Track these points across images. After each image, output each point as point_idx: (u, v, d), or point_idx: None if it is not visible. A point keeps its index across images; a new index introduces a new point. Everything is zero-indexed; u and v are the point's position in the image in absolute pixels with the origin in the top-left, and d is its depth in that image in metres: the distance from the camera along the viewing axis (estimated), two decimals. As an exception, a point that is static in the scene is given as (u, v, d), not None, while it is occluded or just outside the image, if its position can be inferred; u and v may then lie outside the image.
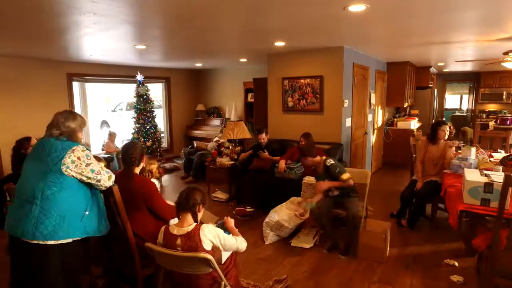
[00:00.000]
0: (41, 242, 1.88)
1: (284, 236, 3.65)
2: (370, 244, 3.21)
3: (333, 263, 3.20)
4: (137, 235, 2.34)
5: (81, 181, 2.01)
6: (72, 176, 1.96)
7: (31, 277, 1.96)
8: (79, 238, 2.01)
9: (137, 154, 2.50)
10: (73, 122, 2.07)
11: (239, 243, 2.11)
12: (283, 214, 3.64)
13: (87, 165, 1.99)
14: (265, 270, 3.10)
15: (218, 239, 1.98)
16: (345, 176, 3.35)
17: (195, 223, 2.00)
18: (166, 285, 2.17)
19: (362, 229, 3.35)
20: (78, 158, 1.96)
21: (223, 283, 1.98)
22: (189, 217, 2.01)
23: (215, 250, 2.00)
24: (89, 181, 2.03)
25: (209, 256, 1.83)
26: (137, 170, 2.54)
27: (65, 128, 2.03)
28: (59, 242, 1.92)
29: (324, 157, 3.56)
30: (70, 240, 1.95)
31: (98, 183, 2.07)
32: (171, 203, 2.91)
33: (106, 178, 2.10)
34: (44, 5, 2.55)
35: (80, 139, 2.12)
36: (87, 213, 2.04)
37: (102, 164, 2.24)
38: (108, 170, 2.16)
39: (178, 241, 1.94)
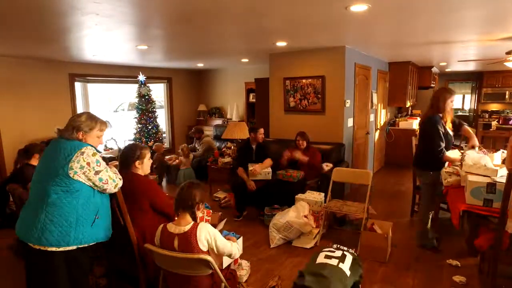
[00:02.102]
0: (42, 248, 1.82)
1: (292, 238, 3.57)
2: (372, 245, 3.21)
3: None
4: (142, 235, 2.35)
5: (89, 185, 1.93)
6: (80, 180, 1.88)
7: (40, 282, 1.91)
8: (86, 245, 1.93)
9: (132, 157, 2.47)
10: (86, 124, 1.99)
11: (233, 248, 2.09)
12: (291, 215, 3.56)
13: (96, 173, 1.90)
14: (267, 270, 3.10)
15: (214, 240, 1.96)
16: None
17: (193, 222, 1.98)
18: (166, 285, 2.17)
19: (364, 229, 3.34)
20: (88, 163, 1.87)
21: (223, 284, 1.98)
22: (187, 216, 1.99)
23: (211, 252, 1.98)
24: (95, 188, 1.96)
25: (209, 258, 1.81)
26: (138, 171, 2.53)
27: (77, 130, 1.96)
28: (64, 249, 1.84)
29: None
30: (75, 247, 1.87)
31: (104, 192, 2.01)
32: None
33: (112, 187, 2.01)
34: (46, 6, 2.56)
35: (95, 138, 2.04)
36: (98, 217, 1.96)
37: (114, 169, 2.13)
38: (116, 178, 2.05)
39: (176, 242, 1.92)
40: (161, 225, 2.03)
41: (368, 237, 3.26)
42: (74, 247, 1.87)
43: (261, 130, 4.57)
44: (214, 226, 3.49)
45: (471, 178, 2.69)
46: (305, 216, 3.59)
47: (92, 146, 1.97)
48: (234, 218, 4.31)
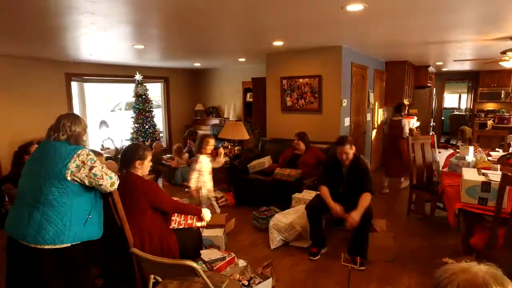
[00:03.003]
0: (38, 246, 1.86)
1: (291, 240, 3.55)
2: (380, 245, 3.19)
3: (332, 262, 3.21)
4: (140, 235, 2.34)
5: (84, 185, 1.97)
6: (76, 181, 1.93)
7: (28, 280, 1.94)
8: (79, 242, 1.98)
9: (134, 156, 2.48)
10: (79, 126, 2.04)
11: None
12: (294, 217, 3.53)
13: (91, 168, 1.95)
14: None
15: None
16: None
17: None
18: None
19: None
20: (83, 162, 1.93)
21: None
22: None
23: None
24: (91, 185, 1.99)
25: (195, 264, 1.78)
26: (137, 171, 2.53)
27: (71, 132, 2.00)
28: (59, 246, 1.89)
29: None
30: (69, 244, 1.92)
31: (100, 187, 2.03)
32: (176, 198, 2.93)
33: (108, 184, 2.03)
34: (42, 5, 2.55)
35: (83, 142, 2.10)
36: (90, 217, 2.01)
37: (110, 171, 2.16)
38: (113, 176, 2.08)
39: None
40: None
41: (375, 238, 3.22)
42: (68, 245, 1.92)
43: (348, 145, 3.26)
44: (222, 227, 3.51)
45: (466, 177, 2.71)
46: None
47: (86, 148, 2.03)
48: (308, 257, 3.25)
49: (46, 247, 1.86)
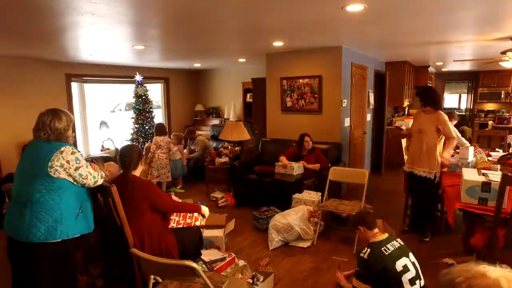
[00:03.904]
0: (31, 242, 1.90)
1: (290, 240, 3.56)
2: None
3: (332, 262, 3.21)
4: (140, 236, 2.35)
5: (70, 180, 2.00)
6: (62, 177, 1.94)
7: (28, 277, 1.97)
8: (71, 238, 2.01)
9: (134, 157, 2.50)
10: (59, 122, 2.02)
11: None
12: (294, 218, 3.55)
13: (76, 169, 1.98)
14: (264, 269, 3.10)
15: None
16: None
17: None
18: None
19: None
20: (68, 161, 1.94)
21: None
22: None
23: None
24: (75, 183, 2.02)
25: (195, 265, 1.78)
26: (137, 173, 2.54)
27: (51, 131, 1.98)
28: (50, 241, 1.92)
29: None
30: (61, 240, 1.95)
31: (83, 185, 2.08)
32: (176, 199, 2.94)
33: (91, 183, 2.08)
34: (42, 5, 2.55)
35: (70, 137, 2.08)
36: (81, 211, 2.04)
37: (96, 174, 2.16)
38: (96, 175, 2.11)
39: None
40: None
41: None
42: (60, 240, 1.95)
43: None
44: (222, 227, 3.52)
45: (466, 177, 2.71)
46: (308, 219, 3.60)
47: (70, 145, 2.02)
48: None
49: (39, 242, 1.90)
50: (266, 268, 2.90)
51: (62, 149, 1.94)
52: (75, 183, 2.02)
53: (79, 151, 2.06)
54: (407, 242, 3.57)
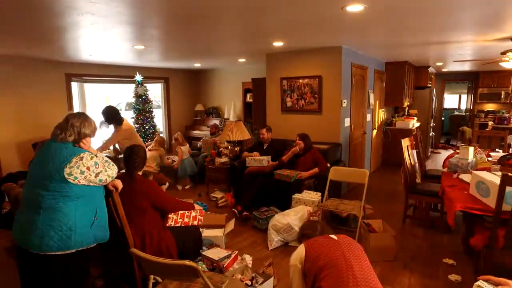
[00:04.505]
0: (43, 254, 1.79)
1: (289, 241, 3.55)
2: (380, 245, 3.18)
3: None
4: (140, 236, 2.34)
5: (86, 185, 1.89)
6: (82, 184, 1.84)
7: (39, 286, 1.89)
8: (86, 247, 1.90)
9: (144, 158, 2.52)
10: (88, 128, 1.95)
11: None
12: (293, 218, 3.54)
13: (96, 175, 1.89)
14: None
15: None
16: None
17: None
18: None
19: (366, 231, 3.33)
20: (88, 168, 1.84)
21: None
22: None
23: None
24: (93, 184, 1.94)
25: (195, 265, 1.77)
26: (140, 172, 2.56)
27: (78, 135, 1.90)
28: (64, 252, 1.81)
29: None
30: (74, 250, 1.85)
31: (101, 185, 2.02)
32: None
33: (108, 183, 2.04)
34: (42, 5, 2.55)
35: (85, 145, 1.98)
36: (96, 218, 1.93)
37: (106, 159, 2.05)
38: (113, 174, 2.03)
39: None
40: None
41: (375, 238, 3.22)
42: (74, 250, 1.85)
43: (262, 131, 4.91)
44: (222, 227, 3.52)
45: (476, 171, 2.76)
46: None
47: (87, 151, 1.93)
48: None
49: (52, 253, 1.79)
50: (267, 269, 2.90)
51: (82, 155, 1.85)
52: (91, 184, 1.91)
53: (96, 156, 1.95)
54: (407, 242, 3.59)
